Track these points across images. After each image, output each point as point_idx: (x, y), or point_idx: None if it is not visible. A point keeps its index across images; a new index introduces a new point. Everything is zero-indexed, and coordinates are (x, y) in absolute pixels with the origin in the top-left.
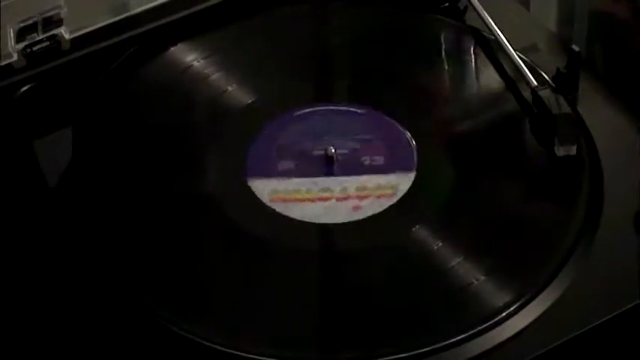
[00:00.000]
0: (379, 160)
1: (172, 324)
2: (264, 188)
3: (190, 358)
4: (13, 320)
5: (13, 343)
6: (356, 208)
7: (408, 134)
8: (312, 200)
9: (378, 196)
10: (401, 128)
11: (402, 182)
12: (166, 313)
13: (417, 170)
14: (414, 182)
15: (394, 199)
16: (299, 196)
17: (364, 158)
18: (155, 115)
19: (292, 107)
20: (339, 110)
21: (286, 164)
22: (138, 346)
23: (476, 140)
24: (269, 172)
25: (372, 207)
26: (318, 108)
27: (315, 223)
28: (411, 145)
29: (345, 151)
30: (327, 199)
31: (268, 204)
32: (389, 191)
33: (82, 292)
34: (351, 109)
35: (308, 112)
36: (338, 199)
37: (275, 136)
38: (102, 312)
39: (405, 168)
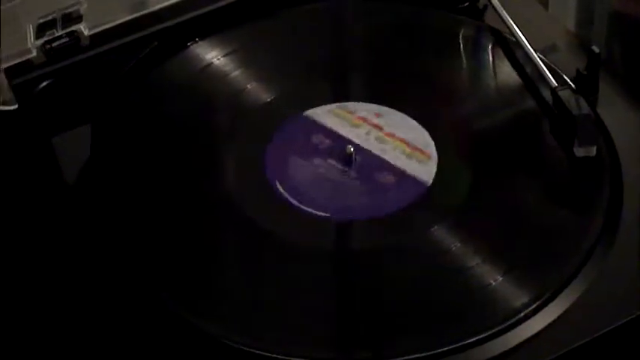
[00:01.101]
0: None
1: (187, 319)
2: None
3: (204, 355)
4: (31, 313)
5: (30, 335)
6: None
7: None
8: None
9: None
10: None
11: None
12: (183, 310)
13: (435, 171)
14: (432, 181)
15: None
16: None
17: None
18: (174, 113)
19: (312, 105)
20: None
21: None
22: (152, 341)
23: (495, 141)
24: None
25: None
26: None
27: (333, 221)
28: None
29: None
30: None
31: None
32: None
33: (99, 287)
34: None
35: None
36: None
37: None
38: (119, 308)
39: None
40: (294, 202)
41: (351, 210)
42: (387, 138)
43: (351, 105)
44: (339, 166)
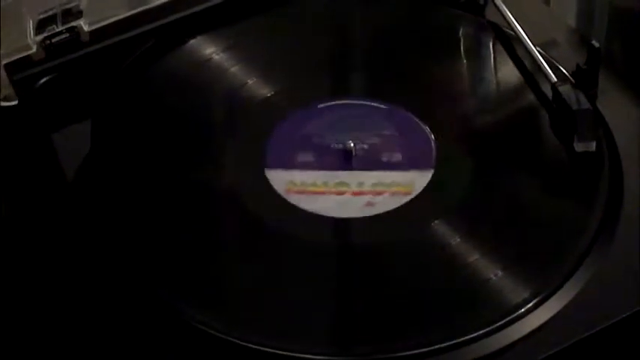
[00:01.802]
0: (398, 156)
1: (187, 316)
2: (281, 179)
3: (203, 351)
4: (30, 311)
5: (29, 332)
6: (369, 204)
7: (428, 129)
8: (327, 193)
9: (393, 193)
10: (421, 124)
11: (419, 179)
12: (182, 305)
13: (436, 167)
14: (431, 180)
15: (409, 197)
16: (314, 189)
17: (383, 154)
18: (174, 108)
19: (312, 100)
20: (360, 104)
21: (305, 156)
22: (152, 337)
23: (495, 136)
24: (287, 163)
25: (384, 204)
26: (338, 102)
27: (331, 217)
28: (430, 141)
29: (365, 146)
30: (341, 193)
31: (283, 195)
32: (404, 188)
33: (98, 283)
34: (372, 103)
35: (328, 106)
36: (353, 194)
37: (295, 129)
38: (118, 304)
39: (423, 165)
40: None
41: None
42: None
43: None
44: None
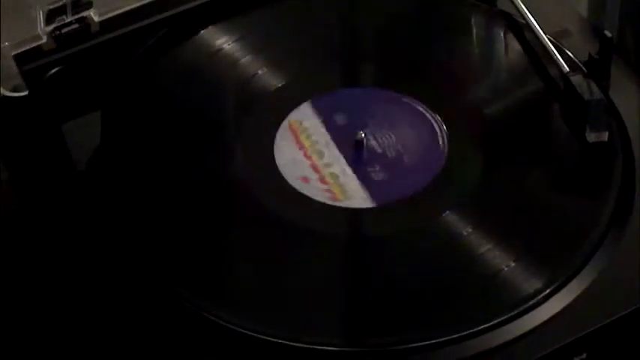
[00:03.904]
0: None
1: (197, 306)
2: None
3: (214, 341)
4: (40, 300)
5: (39, 323)
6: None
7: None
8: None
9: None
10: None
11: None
12: (191, 295)
13: (447, 156)
14: (442, 170)
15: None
16: (307, 144)
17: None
18: (184, 99)
19: (323, 89)
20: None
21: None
22: (161, 326)
23: (506, 126)
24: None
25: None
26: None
27: (342, 207)
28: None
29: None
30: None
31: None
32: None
33: (109, 275)
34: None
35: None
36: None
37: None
38: (128, 296)
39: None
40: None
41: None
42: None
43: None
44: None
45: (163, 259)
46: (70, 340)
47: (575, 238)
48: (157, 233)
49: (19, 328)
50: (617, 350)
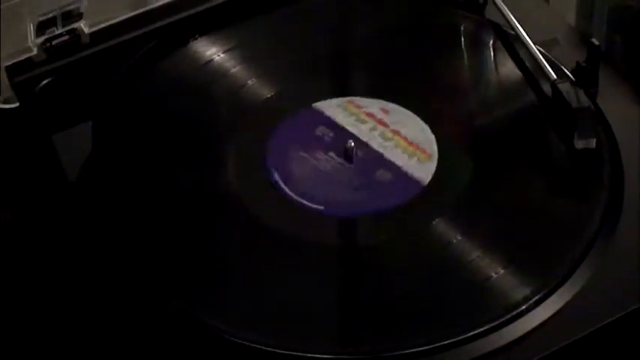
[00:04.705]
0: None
1: (190, 316)
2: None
3: (206, 350)
4: (33, 312)
5: (33, 334)
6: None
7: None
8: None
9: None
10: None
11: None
12: (184, 306)
13: (435, 169)
14: (432, 178)
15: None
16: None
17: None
18: (175, 109)
19: (312, 100)
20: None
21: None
22: (154, 338)
23: (495, 134)
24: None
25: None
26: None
27: (333, 216)
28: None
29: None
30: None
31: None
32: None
33: (101, 285)
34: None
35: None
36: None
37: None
38: (120, 305)
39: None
40: (296, 197)
41: (349, 205)
42: (391, 135)
43: (360, 100)
44: (340, 161)
45: (155, 267)
46: (64, 351)
47: (564, 245)
48: (148, 243)
49: (14, 340)
50: (608, 356)
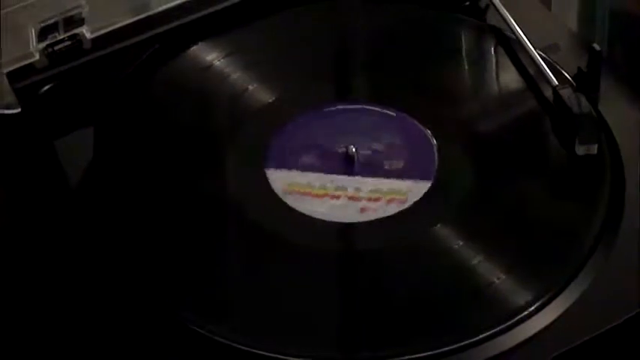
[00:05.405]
0: (399, 164)
1: (188, 321)
2: (281, 180)
3: (205, 356)
4: (34, 319)
5: (33, 340)
6: (363, 210)
7: (429, 133)
8: (322, 196)
9: (389, 201)
10: (422, 127)
11: (418, 188)
12: (185, 312)
13: (437, 173)
14: (432, 185)
15: (405, 205)
16: (311, 191)
17: (385, 161)
18: (176, 115)
19: (314, 105)
20: (364, 110)
21: (308, 159)
22: (154, 344)
23: (497, 139)
24: (289, 164)
25: (378, 211)
26: (343, 106)
27: (332, 222)
28: (432, 145)
29: (368, 152)
30: (337, 197)
31: (281, 197)
32: (401, 196)
33: (102, 291)
34: (371, 108)
35: (332, 110)
36: (349, 199)
37: (299, 132)
38: (120, 312)
39: (424, 173)
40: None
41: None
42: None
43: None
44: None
45: (156, 273)
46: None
47: (566, 250)
48: (149, 248)
49: (14, 348)
50: None
